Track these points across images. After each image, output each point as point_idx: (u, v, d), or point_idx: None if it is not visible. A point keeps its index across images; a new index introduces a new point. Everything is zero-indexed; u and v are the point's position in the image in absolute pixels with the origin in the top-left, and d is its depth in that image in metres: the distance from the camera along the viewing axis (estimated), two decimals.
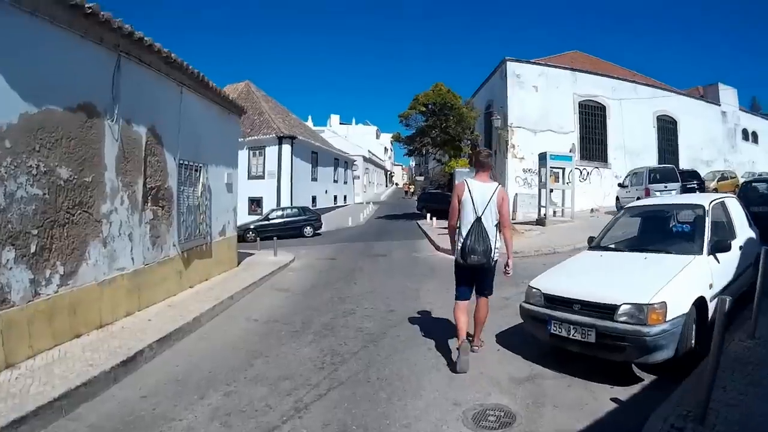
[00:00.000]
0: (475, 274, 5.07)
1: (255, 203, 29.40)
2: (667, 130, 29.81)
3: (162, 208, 8.30)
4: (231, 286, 9.60)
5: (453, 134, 26.05)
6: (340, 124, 73.57)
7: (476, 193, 4.86)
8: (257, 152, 30.07)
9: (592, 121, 27.64)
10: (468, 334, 5.10)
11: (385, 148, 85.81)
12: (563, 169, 20.43)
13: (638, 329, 4.12)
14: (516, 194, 24.45)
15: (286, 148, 29.35)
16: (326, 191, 36.66)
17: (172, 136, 8.63)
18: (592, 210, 22.97)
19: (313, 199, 33.26)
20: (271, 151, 29.36)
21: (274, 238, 16.02)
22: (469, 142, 26.82)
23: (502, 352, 5.44)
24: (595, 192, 25.82)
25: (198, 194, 9.95)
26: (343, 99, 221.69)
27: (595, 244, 6.42)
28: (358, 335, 6.41)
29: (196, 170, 9.84)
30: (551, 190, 20.04)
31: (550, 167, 19.80)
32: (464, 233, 4.86)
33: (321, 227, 24.81)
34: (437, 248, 14.85)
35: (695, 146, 29.84)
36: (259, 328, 7.08)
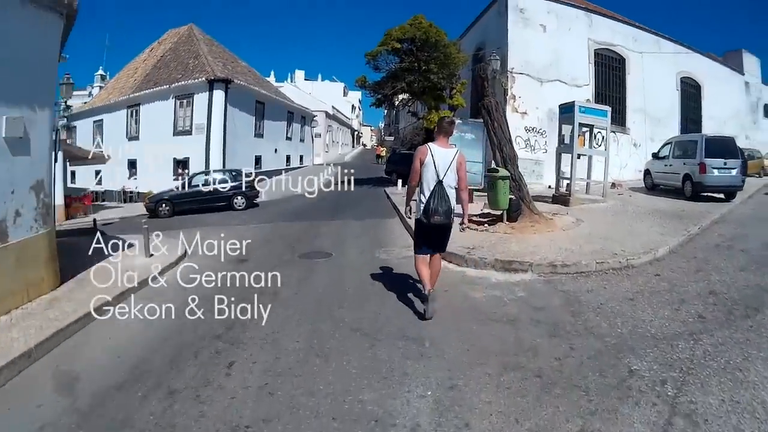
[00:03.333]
0: (435, 232, 5.34)
1: (181, 166, 23.22)
2: (691, 96, 25.32)
3: None
4: None
5: (435, 80, 20.21)
6: (305, 80, 66.46)
7: (438, 158, 5.10)
8: (184, 102, 23.73)
9: (610, 76, 22.72)
10: None
11: (353, 106, 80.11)
12: (590, 128, 15.03)
13: None
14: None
15: (219, 95, 22.99)
16: (276, 150, 30.38)
17: None
18: (612, 185, 17.65)
19: (257, 159, 27.11)
20: (201, 100, 23.07)
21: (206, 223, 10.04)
22: (453, 91, 21.02)
23: None
24: (611, 161, 20.69)
25: None
26: (310, 55, 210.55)
27: None
28: None
29: None
30: (579, 156, 14.51)
31: (579, 123, 14.27)
32: (427, 195, 5.11)
33: (258, 196, 18.85)
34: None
35: (719, 118, 25.42)
36: None
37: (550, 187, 19.04)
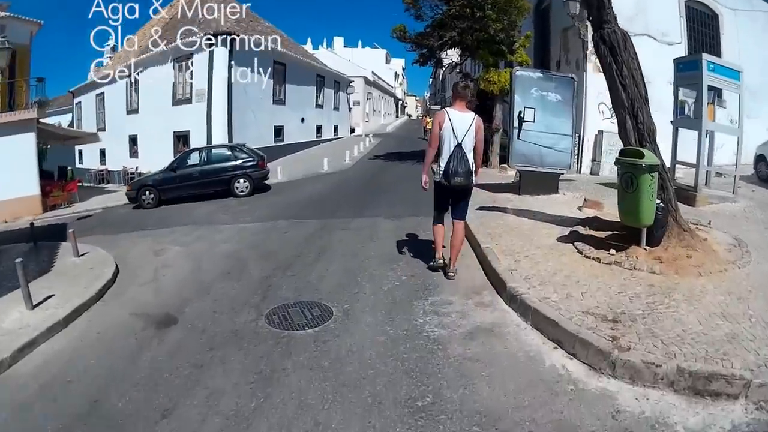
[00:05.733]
0: (454, 196, 5.37)
1: (182, 141, 19.50)
2: None
3: None
4: None
5: (492, 31, 15.62)
6: (344, 48, 61.83)
7: (456, 122, 5.13)
8: (183, 65, 19.88)
9: (703, 35, 17.59)
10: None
11: (396, 73, 75.57)
12: (717, 92, 10.43)
13: None
14: (599, 132, 14.49)
15: (221, 54, 18.73)
16: (303, 120, 26.22)
17: None
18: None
19: (277, 131, 23.11)
20: (201, 61, 19.08)
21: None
22: (515, 45, 16.38)
23: None
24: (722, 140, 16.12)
25: None
26: (350, 22, 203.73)
27: None
28: None
29: None
30: (707, 133, 9.89)
31: (709, 85, 9.68)
32: (446, 158, 5.14)
33: (267, 177, 14.94)
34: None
35: None
36: None
37: None
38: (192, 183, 13.87)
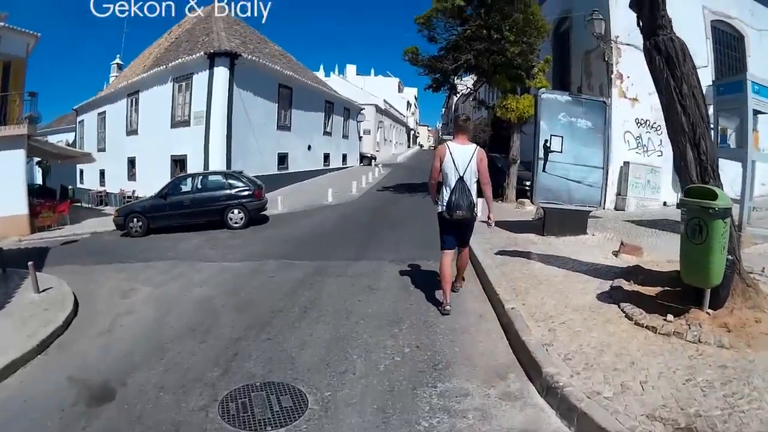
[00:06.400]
0: (458, 227, 5.35)
1: (179, 166, 18.52)
2: None
3: None
4: None
5: (510, 54, 14.64)
6: (357, 75, 61.39)
7: (457, 155, 5.12)
8: (182, 85, 18.93)
9: (729, 57, 16.60)
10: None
11: (408, 102, 74.94)
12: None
13: None
14: (625, 164, 13.35)
15: (221, 74, 17.65)
16: (309, 147, 25.23)
17: None
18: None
19: (281, 158, 22.02)
20: (201, 81, 18.06)
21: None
22: (534, 69, 15.38)
23: None
24: (732, 170, 14.95)
25: None
26: (363, 51, 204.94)
27: None
28: None
29: None
30: (753, 162, 8.73)
31: (754, 109, 8.58)
32: (449, 191, 5.13)
33: (265, 207, 13.85)
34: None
35: None
36: None
37: (666, 204, 13.35)
38: (183, 212, 12.82)
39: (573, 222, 8.49)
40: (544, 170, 8.25)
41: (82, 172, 26.86)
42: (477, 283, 6.33)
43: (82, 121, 27.49)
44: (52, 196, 20.22)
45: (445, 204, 5.14)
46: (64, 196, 20.37)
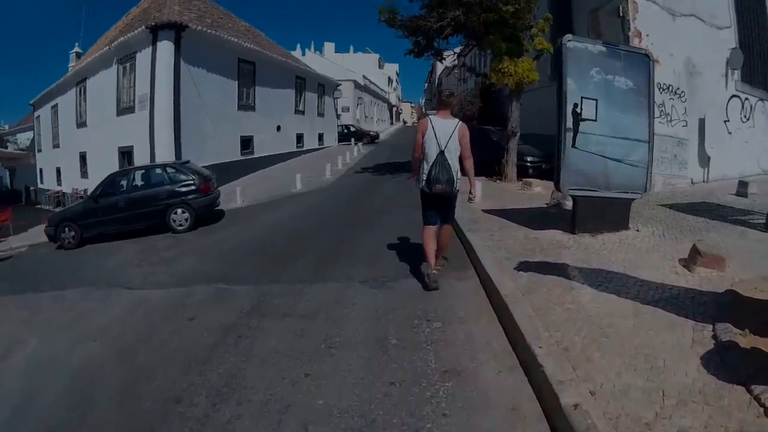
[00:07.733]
0: (440, 202, 5.19)
1: (126, 158, 16.00)
2: None
3: None
4: None
5: (505, 10, 12.26)
6: (335, 53, 58.58)
7: (438, 129, 5.02)
8: (127, 66, 16.31)
9: (754, 20, 14.43)
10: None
11: (390, 78, 72.83)
12: None
13: None
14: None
15: (165, 49, 14.94)
16: (279, 128, 22.57)
17: None
18: None
19: (245, 142, 19.43)
20: (144, 60, 15.38)
21: None
22: (533, 30, 13.00)
23: None
24: (758, 141, 13.34)
25: None
26: (341, 30, 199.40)
27: None
28: None
29: None
30: None
31: None
32: (429, 165, 5.01)
33: (217, 203, 11.53)
34: None
35: None
36: None
37: (693, 182, 11.60)
38: (117, 216, 10.54)
39: (612, 214, 6.23)
40: (574, 145, 5.91)
41: (41, 171, 24.43)
42: (497, 324, 4.09)
43: (39, 117, 24.92)
44: (17, 199, 18.05)
45: (425, 178, 5.04)
46: (28, 199, 18.15)
